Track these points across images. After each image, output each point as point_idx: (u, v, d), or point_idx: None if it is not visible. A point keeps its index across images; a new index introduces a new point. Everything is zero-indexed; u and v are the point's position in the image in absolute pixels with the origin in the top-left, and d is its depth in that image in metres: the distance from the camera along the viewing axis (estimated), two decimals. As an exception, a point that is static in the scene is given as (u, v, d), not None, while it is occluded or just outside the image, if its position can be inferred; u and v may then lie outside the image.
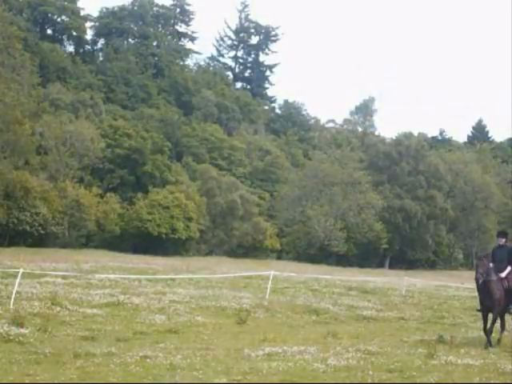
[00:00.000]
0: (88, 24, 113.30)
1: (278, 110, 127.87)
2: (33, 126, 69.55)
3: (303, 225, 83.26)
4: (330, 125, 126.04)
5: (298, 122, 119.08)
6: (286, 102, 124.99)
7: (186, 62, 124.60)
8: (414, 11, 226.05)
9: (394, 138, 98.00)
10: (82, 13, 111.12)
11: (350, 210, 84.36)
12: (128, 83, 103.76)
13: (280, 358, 12.90)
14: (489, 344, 16.37)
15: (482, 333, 18.69)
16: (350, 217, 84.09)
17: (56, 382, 10.21)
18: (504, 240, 17.61)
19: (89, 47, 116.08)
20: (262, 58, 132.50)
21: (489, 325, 16.70)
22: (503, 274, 16.87)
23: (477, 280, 16.51)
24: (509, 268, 17.02)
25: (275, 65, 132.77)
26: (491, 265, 16.88)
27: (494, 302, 16.60)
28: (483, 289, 16.63)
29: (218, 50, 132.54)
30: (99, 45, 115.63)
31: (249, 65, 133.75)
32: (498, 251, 17.46)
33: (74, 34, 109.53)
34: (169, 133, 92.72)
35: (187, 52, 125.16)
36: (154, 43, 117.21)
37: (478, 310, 17.41)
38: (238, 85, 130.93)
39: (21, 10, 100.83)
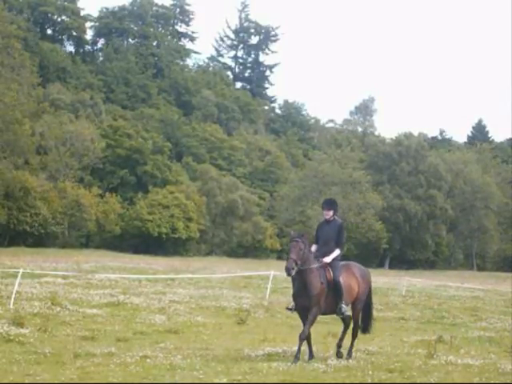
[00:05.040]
0: (88, 24, 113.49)
1: (278, 110, 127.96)
2: (33, 126, 69.65)
3: (303, 225, 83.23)
4: (330, 125, 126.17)
5: (298, 122, 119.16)
6: (285, 102, 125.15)
7: (186, 62, 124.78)
8: (414, 11, 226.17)
9: (394, 138, 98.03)
10: (82, 13, 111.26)
11: (350, 210, 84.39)
12: (128, 83, 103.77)
13: (280, 358, 12.90)
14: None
15: (482, 332, 18.71)
16: (349, 217, 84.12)
17: (56, 382, 10.21)
18: (332, 213, 13.07)
19: (89, 47, 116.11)
20: (261, 58, 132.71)
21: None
22: (328, 259, 12.70)
23: (287, 270, 12.12)
24: (337, 251, 12.89)
25: (275, 65, 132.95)
26: (314, 247, 12.93)
27: (311, 298, 12.47)
28: (298, 280, 12.49)
29: (217, 50, 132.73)
30: (99, 45, 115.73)
31: (249, 65, 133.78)
32: (325, 228, 13.12)
33: (74, 34, 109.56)
34: (169, 133, 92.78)
35: (187, 52, 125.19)
36: (154, 43, 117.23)
37: (289, 309, 13.27)
38: (238, 85, 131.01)
39: (21, 10, 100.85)
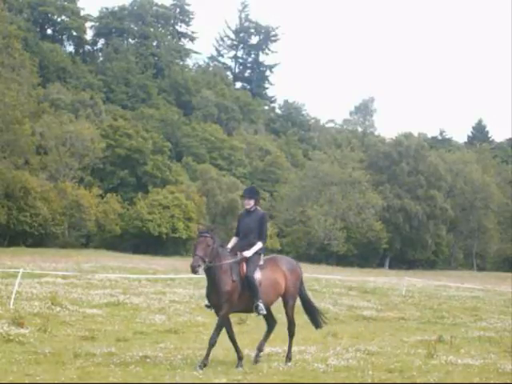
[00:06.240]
0: (88, 24, 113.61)
1: (278, 110, 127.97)
2: (33, 126, 69.60)
3: (303, 225, 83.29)
4: (330, 125, 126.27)
5: (297, 122, 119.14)
6: (285, 102, 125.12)
7: (186, 62, 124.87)
8: (414, 11, 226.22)
9: (394, 138, 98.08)
10: (82, 13, 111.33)
11: (350, 210, 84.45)
12: (128, 83, 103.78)
13: (280, 358, 12.90)
14: (239, 362, 11.88)
15: (482, 332, 18.71)
16: (349, 217, 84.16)
17: (56, 382, 10.20)
18: (253, 202, 12.15)
19: (89, 47, 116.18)
20: (261, 58, 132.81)
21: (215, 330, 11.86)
22: (248, 253, 11.83)
23: (192, 268, 11.35)
24: (258, 244, 11.98)
25: (275, 65, 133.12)
26: (234, 239, 12.21)
27: (221, 296, 11.62)
28: (208, 277, 11.75)
29: (217, 50, 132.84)
30: (99, 45, 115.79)
31: (249, 65, 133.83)
32: (245, 219, 12.17)
33: (74, 33, 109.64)
34: (169, 133, 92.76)
35: (187, 52, 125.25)
36: (154, 43, 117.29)
37: (207, 306, 12.26)
38: (238, 85, 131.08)
39: (21, 10, 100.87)
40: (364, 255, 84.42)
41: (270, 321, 12.68)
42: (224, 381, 10.62)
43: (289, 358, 12.51)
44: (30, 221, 65.07)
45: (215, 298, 11.72)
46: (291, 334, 12.68)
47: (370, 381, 10.95)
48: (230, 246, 12.16)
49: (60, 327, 16.02)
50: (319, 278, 36.93)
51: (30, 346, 13.36)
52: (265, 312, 11.98)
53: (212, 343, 11.70)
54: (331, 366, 12.21)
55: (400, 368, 12.16)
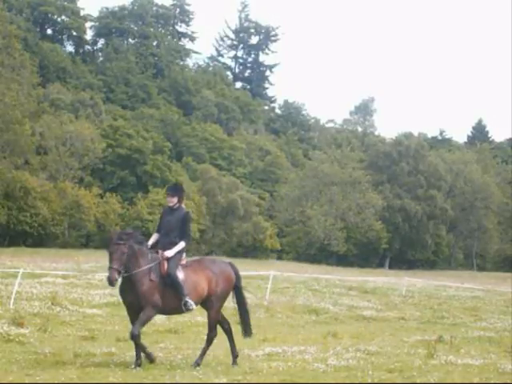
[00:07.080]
0: (88, 24, 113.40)
1: (277, 110, 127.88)
2: (33, 126, 69.58)
3: (303, 225, 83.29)
4: (330, 125, 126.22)
5: (298, 122, 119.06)
6: (286, 102, 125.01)
7: (186, 62, 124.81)
8: (414, 11, 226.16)
9: (394, 138, 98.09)
10: (82, 13, 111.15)
11: (350, 210, 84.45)
12: (128, 83, 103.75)
13: (280, 358, 12.90)
14: (137, 363, 11.36)
15: (482, 332, 18.71)
16: (349, 217, 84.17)
17: (56, 382, 10.20)
18: (176, 200, 11.82)
19: (89, 47, 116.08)
20: (261, 58, 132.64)
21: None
22: (170, 253, 11.53)
23: (110, 282, 11.35)
24: (181, 244, 11.67)
25: (275, 65, 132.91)
26: (155, 236, 11.90)
27: (140, 297, 11.28)
28: (124, 280, 11.56)
29: (217, 50, 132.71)
30: (99, 45, 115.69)
31: (249, 65, 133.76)
32: (168, 216, 11.84)
33: (74, 33, 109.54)
34: (169, 133, 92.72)
35: (187, 52, 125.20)
36: (154, 43, 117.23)
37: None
38: (238, 85, 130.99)
39: (21, 10, 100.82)
40: (364, 255, 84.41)
41: (224, 325, 12.44)
42: (224, 381, 10.62)
43: (198, 363, 11.85)
44: (30, 221, 65.07)
45: (130, 296, 11.45)
46: (209, 339, 12.20)
47: (370, 381, 10.94)
48: (150, 242, 11.85)
49: (60, 327, 16.03)
50: (319, 278, 36.97)
51: (30, 345, 13.36)
52: (194, 307, 11.75)
53: (133, 338, 11.31)
54: (331, 365, 12.20)
55: (400, 368, 12.15)
